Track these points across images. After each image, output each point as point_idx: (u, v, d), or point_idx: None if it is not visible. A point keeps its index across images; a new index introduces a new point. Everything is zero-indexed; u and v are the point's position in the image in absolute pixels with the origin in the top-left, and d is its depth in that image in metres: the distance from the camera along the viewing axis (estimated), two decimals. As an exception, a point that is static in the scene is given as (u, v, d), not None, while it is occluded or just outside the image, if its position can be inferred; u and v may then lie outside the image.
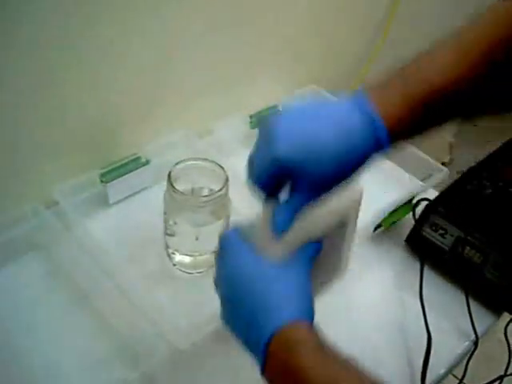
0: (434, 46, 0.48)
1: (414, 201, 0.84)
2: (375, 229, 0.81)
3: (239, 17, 0.92)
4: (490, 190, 0.82)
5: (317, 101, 0.48)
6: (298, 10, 1.01)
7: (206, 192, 0.73)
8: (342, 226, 0.55)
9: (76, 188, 0.78)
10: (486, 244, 0.74)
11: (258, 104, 0.98)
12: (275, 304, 0.46)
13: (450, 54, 0.47)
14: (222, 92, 0.98)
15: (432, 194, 0.83)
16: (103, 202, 0.82)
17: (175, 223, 0.71)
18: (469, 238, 0.75)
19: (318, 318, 0.73)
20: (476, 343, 0.73)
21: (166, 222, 0.72)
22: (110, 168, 0.80)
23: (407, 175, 0.94)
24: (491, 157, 0.89)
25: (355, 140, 0.45)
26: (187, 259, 0.74)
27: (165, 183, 0.69)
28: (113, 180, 0.80)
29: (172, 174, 0.69)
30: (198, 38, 0.88)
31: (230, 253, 0.50)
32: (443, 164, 0.93)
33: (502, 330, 0.77)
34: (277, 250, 0.48)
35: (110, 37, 0.76)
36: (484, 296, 0.76)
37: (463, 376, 0.76)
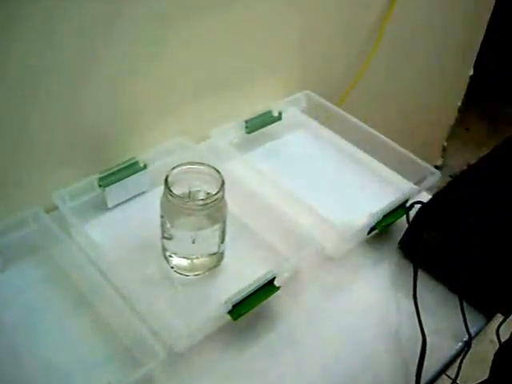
0: None
1: (408, 204, 0.84)
2: (369, 231, 0.82)
3: (234, 24, 0.93)
4: (483, 193, 0.83)
5: None
6: (291, 17, 1.02)
7: (202, 196, 0.73)
8: None
9: (75, 193, 0.79)
10: (478, 246, 0.75)
11: (253, 109, 0.99)
12: None
13: None
14: (217, 98, 0.98)
15: (425, 197, 0.84)
16: (102, 206, 0.83)
17: (172, 227, 0.71)
18: (461, 240, 0.76)
19: (313, 320, 0.74)
20: (469, 344, 0.73)
21: (163, 225, 0.73)
22: (108, 173, 0.81)
23: (401, 178, 0.94)
24: (483, 160, 0.90)
25: None
26: (184, 262, 0.75)
27: (162, 187, 0.70)
28: (111, 184, 0.81)
29: (169, 178, 0.70)
30: (193, 45, 0.89)
31: None
32: (436, 167, 0.94)
33: (494, 331, 0.78)
34: None
35: (107, 45, 0.77)
36: (477, 298, 0.77)
37: (456, 376, 0.77)
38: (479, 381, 0.74)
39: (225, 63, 0.96)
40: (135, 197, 0.87)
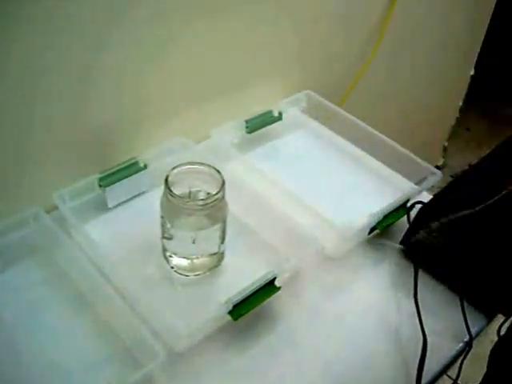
0: None
1: (409, 204, 0.84)
2: (370, 232, 0.82)
3: (235, 24, 0.93)
4: (484, 193, 0.83)
5: None
6: (292, 17, 1.02)
7: (202, 196, 0.73)
8: None
9: (75, 192, 0.78)
10: (480, 246, 0.75)
11: (254, 109, 0.99)
12: None
13: None
14: (217, 98, 0.98)
15: (426, 197, 0.84)
16: (102, 206, 0.83)
17: (172, 227, 0.71)
18: (463, 240, 0.76)
19: (314, 321, 0.74)
20: (470, 344, 0.73)
21: (163, 225, 0.73)
22: (108, 173, 0.81)
23: (401, 178, 0.94)
24: (484, 160, 0.90)
25: None
26: (184, 262, 0.75)
27: (162, 187, 0.69)
28: (111, 184, 0.81)
29: (169, 178, 0.70)
30: (194, 46, 0.89)
31: None
32: (437, 167, 0.93)
33: (495, 332, 0.77)
34: None
35: (107, 45, 0.77)
36: (478, 298, 0.77)
37: (457, 376, 0.76)
38: (480, 381, 0.74)
39: (225, 63, 0.96)
40: (135, 197, 0.86)
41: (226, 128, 0.94)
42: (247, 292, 0.68)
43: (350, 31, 1.19)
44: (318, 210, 0.80)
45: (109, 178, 0.81)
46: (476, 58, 1.86)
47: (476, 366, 0.79)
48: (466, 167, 0.87)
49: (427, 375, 0.69)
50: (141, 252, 0.79)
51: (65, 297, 0.72)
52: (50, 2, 0.68)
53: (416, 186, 0.90)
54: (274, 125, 1.01)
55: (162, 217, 0.72)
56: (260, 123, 0.98)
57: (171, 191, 0.68)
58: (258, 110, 0.99)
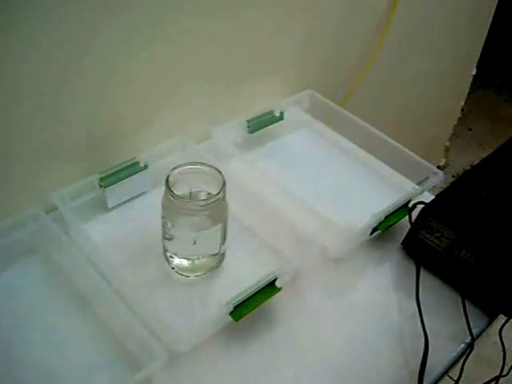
0: None
1: (410, 204, 0.84)
2: (372, 232, 0.82)
3: (236, 23, 0.92)
4: (485, 193, 0.83)
5: None
6: (295, 17, 1.02)
7: (203, 196, 0.73)
8: None
9: (75, 193, 0.78)
10: (481, 246, 0.75)
11: (255, 109, 0.98)
12: None
13: None
14: (219, 97, 0.98)
15: (428, 198, 0.84)
16: (102, 206, 0.82)
17: (173, 227, 0.71)
18: (464, 240, 0.75)
19: (315, 321, 0.74)
20: (472, 345, 0.73)
21: (163, 225, 0.73)
22: (108, 173, 0.80)
23: (403, 179, 0.94)
24: (486, 160, 0.90)
25: None
26: (185, 263, 0.75)
27: (163, 187, 0.69)
28: (111, 184, 0.80)
29: (170, 178, 0.69)
30: (194, 46, 0.88)
31: None
32: (439, 168, 0.93)
33: (497, 332, 0.77)
34: None
35: (107, 45, 0.77)
36: (479, 298, 0.77)
37: (459, 377, 0.76)
38: (482, 382, 0.74)
39: (227, 63, 0.95)
40: (136, 197, 0.86)
41: (227, 128, 0.94)
42: (248, 293, 0.67)
43: (352, 31, 1.19)
44: (320, 211, 0.80)
45: (109, 178, 0.80)
46: (478, 58, 1.86)
47: (478, 367, 0.79)
48: (468, 167, 0.86)
49: (429, 376, 0.69)
50: (141, 252, 0.78)
51: (64, 297, 0.72)
52: (46, 6, 0.68)
53: (418, 187, 0.89)
54: (275, 124, 1.00)
55: (163, 217, 0.72)
56: (261, 123, 0.98)
57: (172, 191, 0.68)
58: (259, 109, 0.99)
